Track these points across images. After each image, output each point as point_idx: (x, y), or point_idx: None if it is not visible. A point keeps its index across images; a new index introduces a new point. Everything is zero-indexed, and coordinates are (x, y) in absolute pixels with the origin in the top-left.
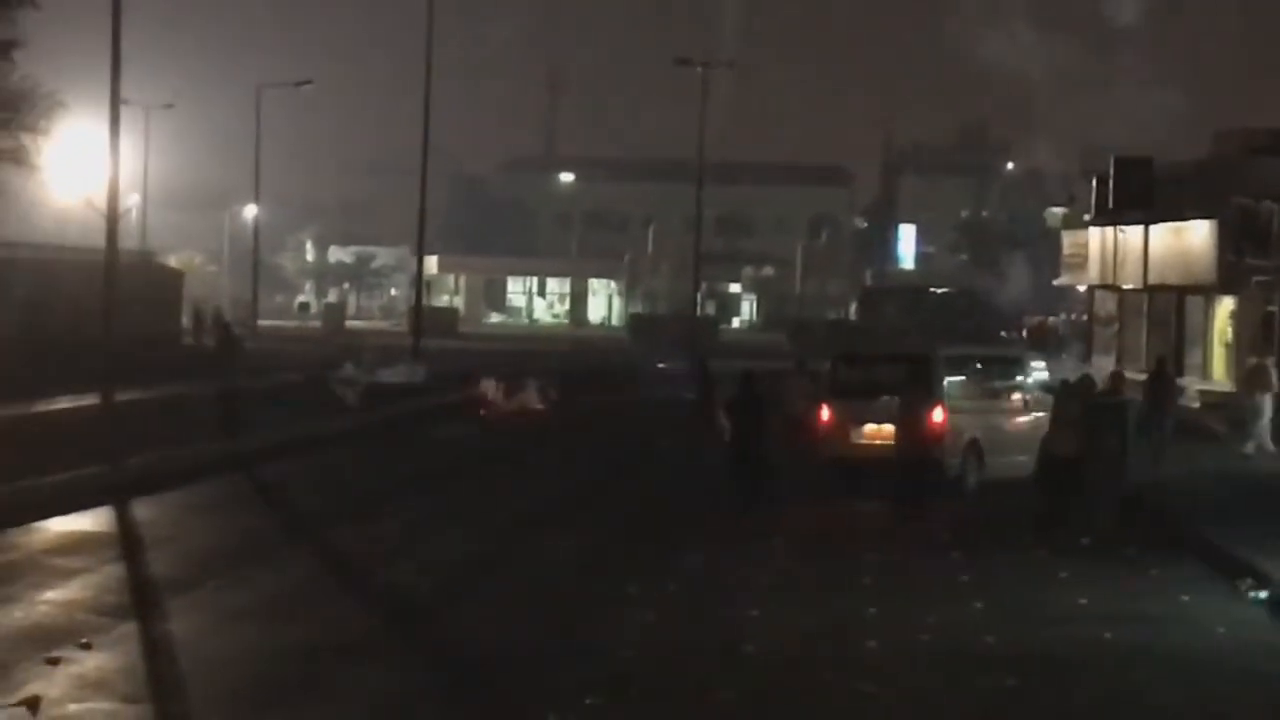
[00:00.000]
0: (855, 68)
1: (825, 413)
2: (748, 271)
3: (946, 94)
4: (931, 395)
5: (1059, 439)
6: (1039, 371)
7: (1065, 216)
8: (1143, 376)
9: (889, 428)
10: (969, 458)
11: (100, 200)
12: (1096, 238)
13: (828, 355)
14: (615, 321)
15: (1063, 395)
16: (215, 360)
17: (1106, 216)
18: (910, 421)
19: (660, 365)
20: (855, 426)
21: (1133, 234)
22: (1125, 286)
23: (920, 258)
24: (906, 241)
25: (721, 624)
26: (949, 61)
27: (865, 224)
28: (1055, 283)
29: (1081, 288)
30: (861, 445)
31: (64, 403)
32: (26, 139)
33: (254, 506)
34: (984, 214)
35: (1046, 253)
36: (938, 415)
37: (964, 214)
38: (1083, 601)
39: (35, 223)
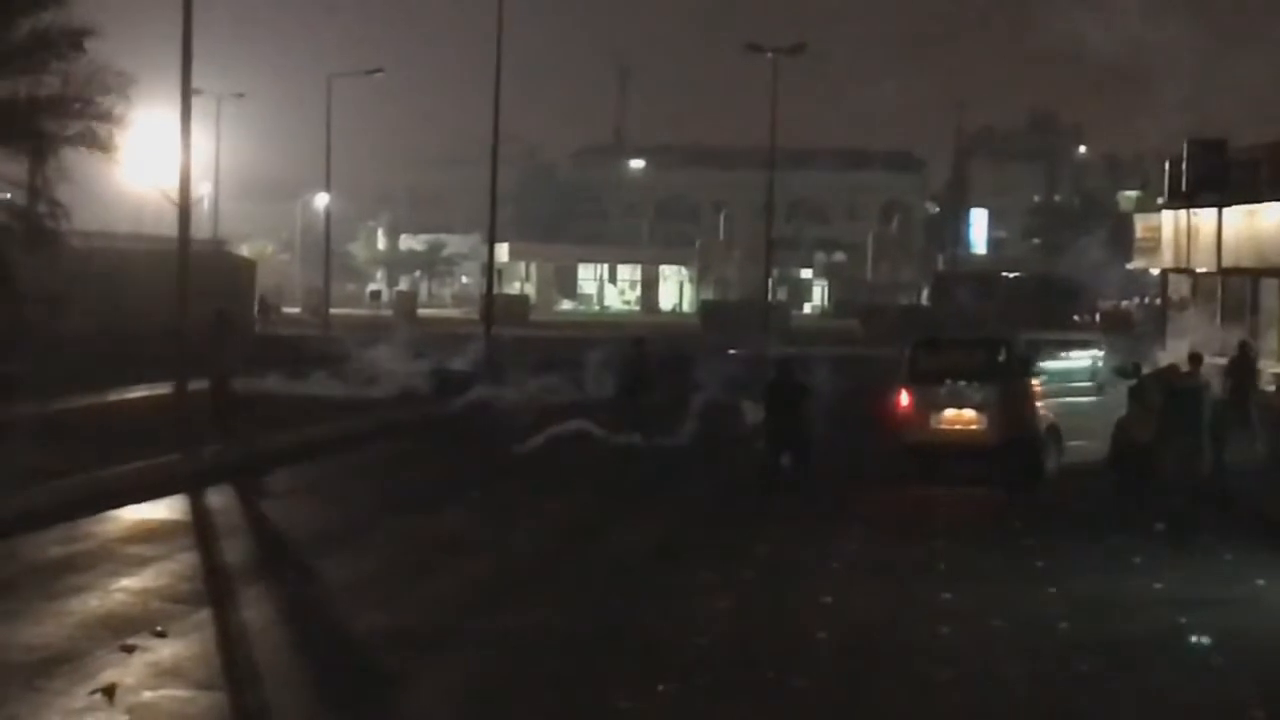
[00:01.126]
0: (926, 52)
1: (905, 398)
2: (819, 257)
3: (1018, 77)
4: (1018, 380)
5: (1137, 425)
6: (1112, 355)
7: (1138, 200)
8: (1221, 361)
9: (970, 413)
10: (1049, 442)
11: (173, 190)
12: (1170, 221)
13: (899, 341)
14: (687, 308)
15: (1146, 382)
16: (199, 353)
17: (1180, 200)
18: (1000, 407)
19: (731, 352)
20: (936, 412)
21: (1206, 217)
22: (1199, 270)
23: (992, 243)
24: (978, 226)
25: (794, 610)
26: (1020, 44)
27: (937, 209)
28: (1128, 267)
29: (1155, 271)
30: (942, 431)
31: (138, 392)
32: (99, 126)
33: (323, 496)
34: (1056, 198)
35: (1120, 237)
36: (1025, 400)
37: (1036, 198)
38: (1157, 586)
39: (110, 211)
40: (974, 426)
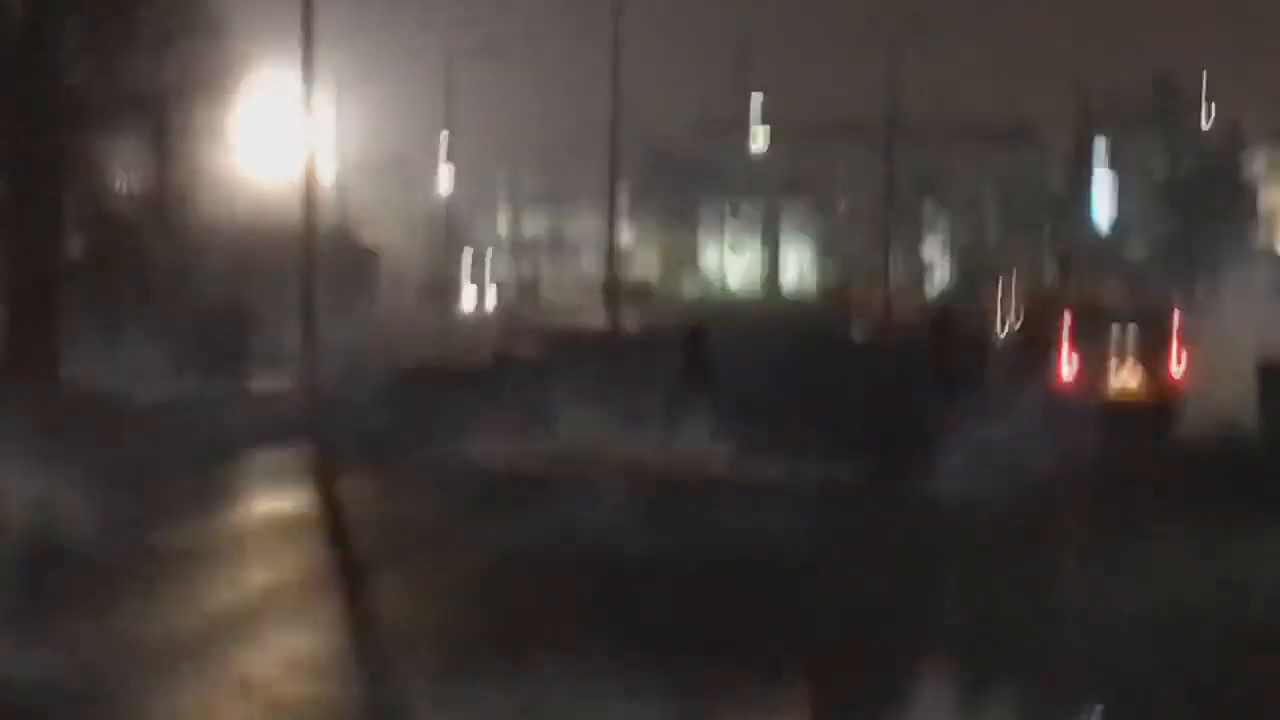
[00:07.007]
0: (1046, 21)
1: (1069, 362)
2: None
3: (1141, 46)
4: (1173, 345)
5: None
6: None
7: (1267, 169)
8: None
9: (1134, 379)
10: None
11: (296, 175)
12: None
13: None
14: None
15: None
16: None
17: None
18: (1164, 370)
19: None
20: (1102, 375)
21: None
22: None
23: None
24: (1101, 197)
25: (916, 590)
26: (1144, 12)
27: (1060, 179)
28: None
29: None
30: (1108, 393)
31: (263, 379)
32: (223, 110)
33: (452, 484)
34: (1182, 169)
35: (1246, 207)
36: (1179, 366)
37: (1161, 167)
38: None
39: (233, 197)
40: (1137, 389)
